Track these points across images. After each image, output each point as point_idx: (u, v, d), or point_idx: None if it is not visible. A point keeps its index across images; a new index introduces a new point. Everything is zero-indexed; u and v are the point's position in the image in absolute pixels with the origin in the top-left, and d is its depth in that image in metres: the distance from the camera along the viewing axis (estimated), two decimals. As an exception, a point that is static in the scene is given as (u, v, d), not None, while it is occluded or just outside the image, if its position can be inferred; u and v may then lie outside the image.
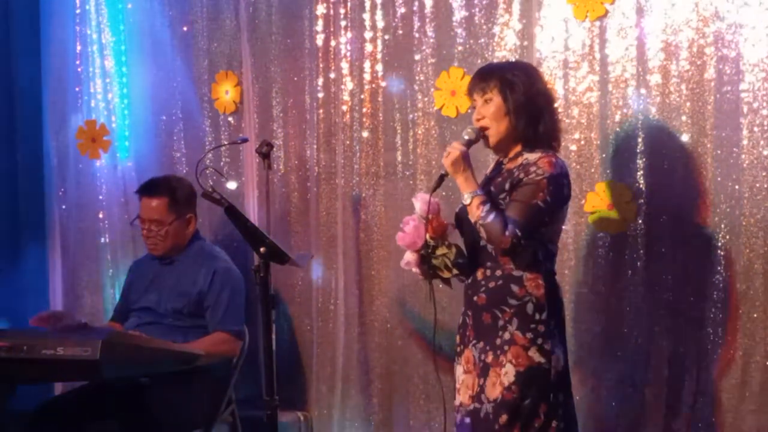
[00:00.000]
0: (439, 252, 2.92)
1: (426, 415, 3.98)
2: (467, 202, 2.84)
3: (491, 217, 2.79)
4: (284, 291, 4.31)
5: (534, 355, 2.83)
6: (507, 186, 2.87)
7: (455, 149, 2.87)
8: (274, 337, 3.13)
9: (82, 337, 3.10)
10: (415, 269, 2.98)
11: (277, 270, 3.29)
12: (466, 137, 2.91)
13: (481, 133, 2.93)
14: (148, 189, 3.91)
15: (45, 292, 4.89)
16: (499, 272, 2.89)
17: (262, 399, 3.17)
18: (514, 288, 2.86)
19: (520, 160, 2.91)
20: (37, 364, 3.10)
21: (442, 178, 2.92)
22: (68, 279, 4.86)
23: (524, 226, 2.79)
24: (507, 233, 2.77)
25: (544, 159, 2.86)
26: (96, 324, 4.48)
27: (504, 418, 2.81)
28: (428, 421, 3.96)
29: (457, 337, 3.04)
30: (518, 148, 2.94)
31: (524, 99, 2.89)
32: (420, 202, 2.95)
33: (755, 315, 3.38)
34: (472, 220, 2.84)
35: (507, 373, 2.82)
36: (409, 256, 2.97)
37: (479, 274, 2.93)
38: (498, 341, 2.86)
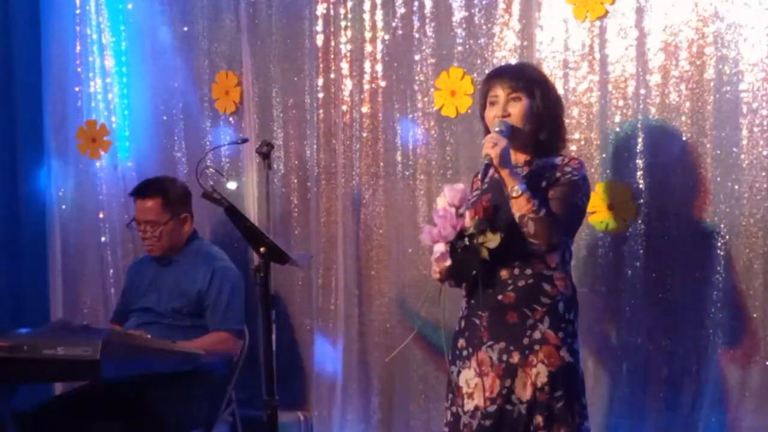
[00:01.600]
0: (480, 239, 2.78)
1: (426, 415, 3.98)
2: (517, 194, 2.75)
3: (543, 212, 2.75)
4: (284, 291, 4.31)
5: (565, 354, 2.82)
6: (543, 184, 2.84)
7: (501, 140, 2.78)
8: (274, 337, 3.13)
9: (82, 337, 3.11)
10: (447, 262, 2.82)
11: (277, 270, 3.28)
12: (497, 129, 2.84)
13: (511, 127, 2.86)
14: (142, 191, 3.93)
15: (45, 292, 4.88)
16: (529, 271, 2.84)
17: (262, 399, 3.16)
18: (547, 287, 2.84)
19: (540, 162, 2.91)
20: (37, 364, 3.10)
21: (487, 168, 2.80)
22: (68, 279, 4.86)
23: (569, 224, 2.82)
24: (558, 230, 2.77)
25: (574, 161, 2.90)
26: (96, 325, 4.50)
27: (539, 419, 2.78)
28: (428, 421, 3.96)
29: (462, 341, 2.98)
30: (532, 152, 2.94)
31: (549, 103, 2.92)
32: (450, 191, 2.82)
33: (755, 315, 3.38)
34: (519, 214, 2.76)
35: (539, 374, 2.79)
36: (441, 248, 2.81)
37: (504, 273, 2.86)
38: (526, 341, 2.82)
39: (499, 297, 2.86)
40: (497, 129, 2.84)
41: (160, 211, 3.87)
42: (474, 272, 2.83)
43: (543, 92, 2.91)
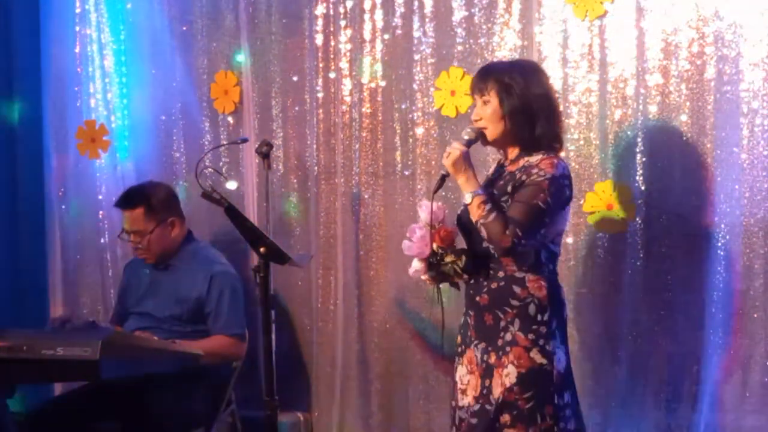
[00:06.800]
0: (447, 259, 2.91)
1: (425, 416, 3.98)
2: (468, 201, 2.85)
3: (492, 216, 2.80)
4: (284, 291, 4.31)
5: (535, 356, 2.83)
6: (509, 188, 2.87)
7: (455, 149, 2.88)
8: (273, 337, 3.13)
9: (82, 337, 3.11)
10: (423, 277, 2.98)
11: (277, 270, 3.28)
12: (466, 137, 2.93)
13: (481, 133, 2.94)
14: (124, 201, 3.88)
15: (45, 292, 4.88)
16: (501, 273, 2.89)
17: (262, 399, 3.17)
18: (516, 289, 2.86)
19: (521, 163, 2.92)
20: (37, 364, 3.10)
21: (443, 178, 2.93)
22: (68, 279, 4.85)
23: (525, 227, 2.78)
24: (507, 233, 2.77)
25: (546, 161, 2.86)
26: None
27: (506, 418, 2.82)
28: (428, 421, 3.96)
29: (458, 338, 3.05)
30: (517, 150, 2.95)
31: (520, 103, 2.89)
32: (424, 210, 2.94)
33: (755, 315, 3.39)
34: (474, 220, 2.85)
35: (509, 375, 2.83)
36: (417, 265, 2.96)
37: (482, 275, 2.93)
38: (500, 342, 2.87)
39: (477, 298, 2.94)
40: (464, 136, 2.93)
41: (145, 219, 3.81)
42: (460, 281, 2.98)
43: (510, 92, 2.89)
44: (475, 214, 2.84)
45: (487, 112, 2.92)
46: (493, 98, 2.91)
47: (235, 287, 3.85)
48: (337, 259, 4.18)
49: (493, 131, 2.92)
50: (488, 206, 2.82)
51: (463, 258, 2.91)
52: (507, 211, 2.82)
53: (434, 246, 2.92)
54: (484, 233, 2.82)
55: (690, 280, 3.47)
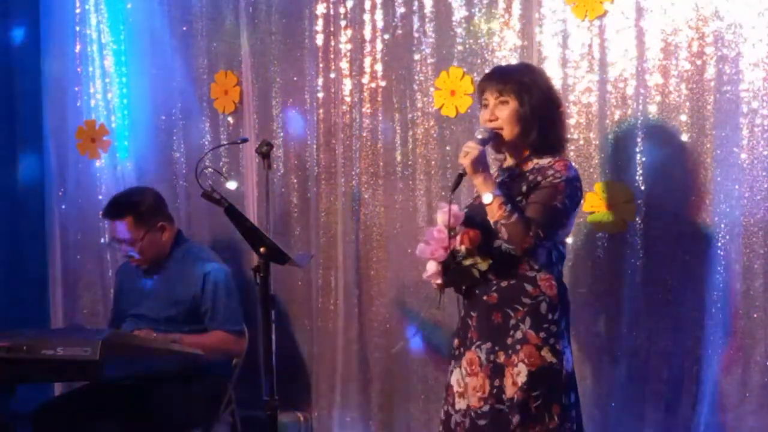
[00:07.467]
0: (467, 262, 2.88)
1: (425, 416, 3.98)
2: (488, 201, 2.82)
3: (515, 217, 2.79)
4: (284, 291, 4.31)
5: (546, 355, 2.83)
6: (524, 189, 2.87)
7: (473, 148, 2.84)
8: (273, 337, 3.13)
9: (82, 337, 3.11)
10: (438, 281, 2.95)
11: (277, 270, 3.28)
12: (480, 136, 2.89)
13: (494, 134, 2.92)
14: (111, 212, 3.86)
15: (45, 292, 4.88)
16: (512, 271, 2.88)
17: (262, 399, 3.17)
18: (528, 287, 2.86)
19: (530, 165, 2.93)
20: (37, 364, 3.11)
21: (460, 177, 2.90)
22: (68, 279, 4.85)
23: (546, 227, 2.81)
24: (531, 233, 2.77)
25: (560, 162, 2.89)
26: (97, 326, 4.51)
27: (517, 418, 2.81)
28: (428, 421, 3.96)
29: (456, 341, 3.03)
30: (527, 153, 2.96)
31: (539, 106, 2.91)
32: (444, 213, 2.90)
33: (755, 315, 3.38)
34: (493, 220, 2.82)
35: (519, 373, 2.82)
36: (433, 267, 2.92)
37: (491, 275, 2.90)
38: (509, 341, 2.86)
39: (485, 297, 2.92)
40: (478, 136, 2.90)
41: (134, 228, 3.78)
42: (466, 286, 2.95)
43: (531, 95, 2.91)
44: (495, 215, 2.81)
45: (505, 113, 2.91)
46: (512, 99, 2.91)
47: (229, 284, 3.85)
48: (337, 259, 4.19)
49: (510, 132, 2.92)
50: (509, 207, 2.80)
51: (488, 262, 2.87)
52: (526, 212, 2.82)
53: (462, 248, 2.87)
54: (504, 234, 2.80)
55: (690, 280, 3.46)
